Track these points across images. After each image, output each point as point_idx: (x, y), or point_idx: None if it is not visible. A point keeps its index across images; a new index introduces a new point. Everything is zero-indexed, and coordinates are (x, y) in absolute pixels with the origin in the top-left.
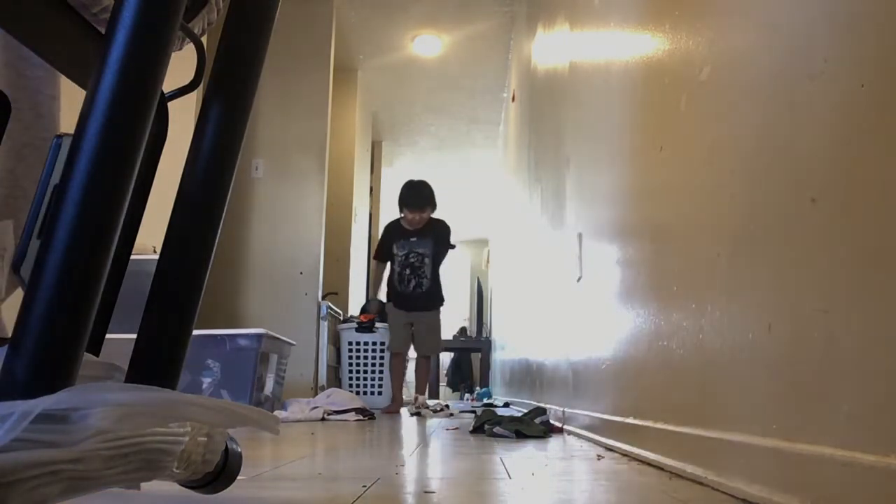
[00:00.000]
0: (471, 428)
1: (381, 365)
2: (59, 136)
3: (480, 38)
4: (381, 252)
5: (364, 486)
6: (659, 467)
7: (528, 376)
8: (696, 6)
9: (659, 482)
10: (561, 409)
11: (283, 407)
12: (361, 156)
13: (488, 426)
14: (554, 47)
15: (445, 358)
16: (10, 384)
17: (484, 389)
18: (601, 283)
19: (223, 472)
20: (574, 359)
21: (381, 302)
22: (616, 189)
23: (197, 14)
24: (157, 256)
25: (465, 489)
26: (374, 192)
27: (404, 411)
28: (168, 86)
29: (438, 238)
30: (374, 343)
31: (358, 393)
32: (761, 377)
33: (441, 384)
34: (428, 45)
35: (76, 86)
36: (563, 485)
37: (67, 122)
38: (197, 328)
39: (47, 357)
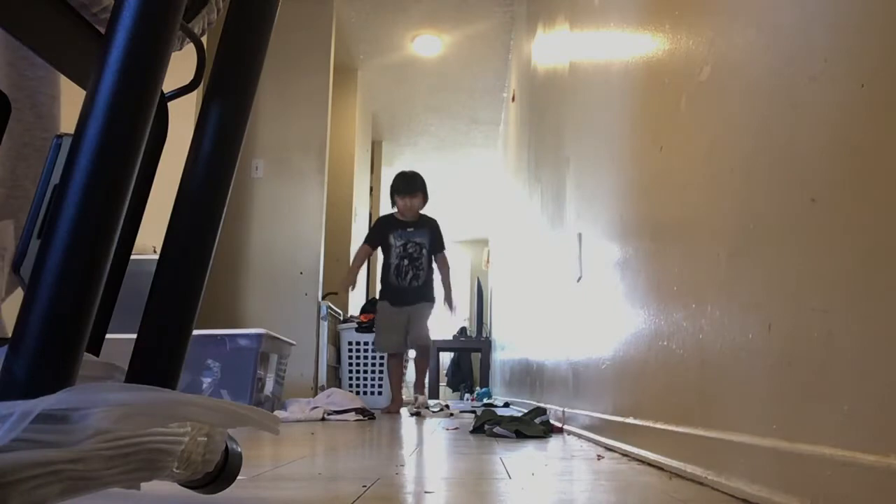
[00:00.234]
0: (471, 428)
1: (381, 365)
2: (59, 137)
3: (480, 38)
4: (372, 237)
5: (364, 486)
6: (659, 467)
7: (528, 376)
8: (696, 6)
9: (659, 482)
10: (561, 409)
11: (283, 407)
12: (361, 156)
13: (488, 426)
14: (554, 47)
15: (445, 358)
16: (10, 384)
17: (484, 389)
18: (601, 283)
19: (223, 472)
20: (574, 359)
21: (372, 300)
22: (616, 189)
23: (197, 14)
24: (157, 256)
25: (465, 489)
26: (374, 192)
27: (404, 411)
28: (168, 86)
29: (434, 232)
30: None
31: (358, 393)
32: (761, 377)
33: (441, 384)
34: (428, 44)
35: (76, 86)
36: (563, 485)
37: (67, 122)
38: (197, 328)
39: (47, 357)
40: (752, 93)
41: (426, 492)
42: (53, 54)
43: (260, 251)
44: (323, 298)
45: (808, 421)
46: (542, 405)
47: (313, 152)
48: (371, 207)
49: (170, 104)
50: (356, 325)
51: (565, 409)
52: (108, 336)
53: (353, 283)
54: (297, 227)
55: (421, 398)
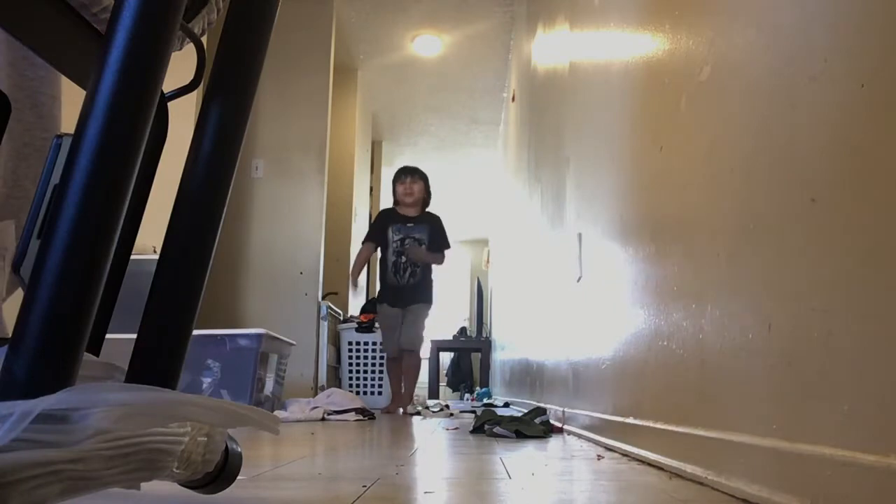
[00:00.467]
0: (471, 428)
1: (381, 365)
2: (59, 137)
3: (480, 38)
4: (372, 233)
5: (364, 486)
6: (659, 467)
7: (528, 376)
8: (696, 6)
9: (659, 482)
10: (561, 409)
11: (283, 407)
12: (361, 156)
13: (488, 426)
14: (554, 47)
15: (445, 358)
16: (10, 384)
17: (484, 389)
18: (601, 283)
19: (223, 472)
20: (574, 359)
21: (372, 300)
22: (616, 189)
23: (197, 14)
24: (157, 256)
25: (465, 489)
26: (374, 192)
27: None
28: (168, 86)
29: (435, 229)
30: (375, 343)
31: (358, 393)
32: (761, 377)
33: (441, 384)
34: (428, 45)
35: (76, 86)
36: (563, 485)
37: (67, 122)
38: (197, 328)
39: (47, 357)
40: (752, 93)
41: (426, 492)
42: (53, 54)
43: (260, 251)
44: (323, 298)
45: (808, 421)
46: (542, 405)
47: (313, 152)
48: (371, 207)
49: (170, 104)
50: (356, 325)
51: (565, 409)
52: (108, 336)
53: (356, 285)
54: (297, 227)
55: (418, 398)
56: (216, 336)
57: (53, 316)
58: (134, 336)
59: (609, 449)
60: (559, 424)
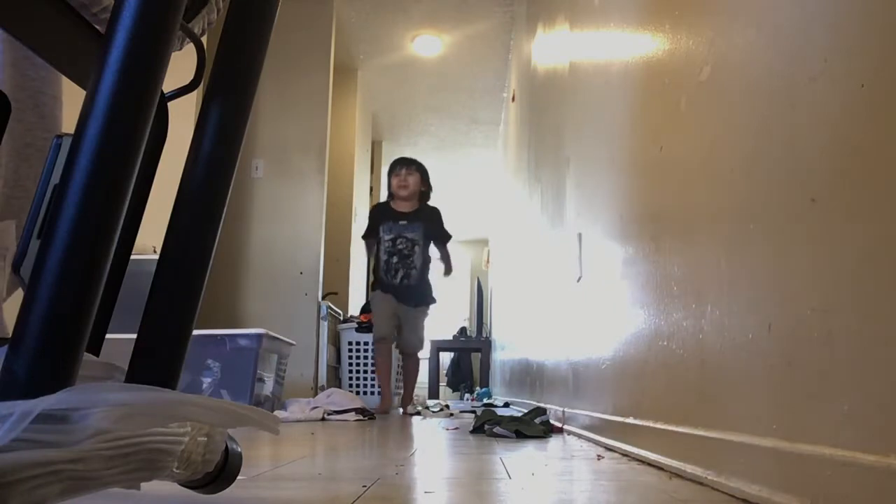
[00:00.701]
0: (471, 428)
1: None
2: (59, 137)
3: (480, 38)
4: (369, 230)
5: (364, 486)
6: (659, 467)
7: (528, 376)
8: (696, 6)
9: (659, 482)
10: (561, 409)
11: (283, 407)
12: (361, 156)
13: (488, 426)
14: (554, 47)
15: (445, 358)
16: (10, 384)
17: (484, 389)
18: (601, 283)
19: (223, 472)
20: (574, 359)
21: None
22: (616, 189)
23: (197, 14)
24: (157, 256)
25: (465, 489)
26: (374, 192)
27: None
28: (168, 86)
29: (429, 224)
30: None
31: (358, 393)
32: (761, 377)
33: (441, 384)
34: (428, 45)
35: (76, 86)
36: (563, 485)
37: (67, 122)
38: (197, 328)
39: (47, 357)
40: (752, 93)
41: (426, 492)
42: (53, 54)
43: (260, 251)
44: (323, 298)
45: (808, 421)
46: (542, 405)
47: (313, 152)
48: (371, 207)
49: (170, 104)
50: (356, 325)
51: (565, 409)
52: (108, 336)
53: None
54: (297, 227)
55: (419, 398)
56: (216, 336)
57: (53, 316)
58: (134, 336)
59: (609, 449)
60: (559, 424)
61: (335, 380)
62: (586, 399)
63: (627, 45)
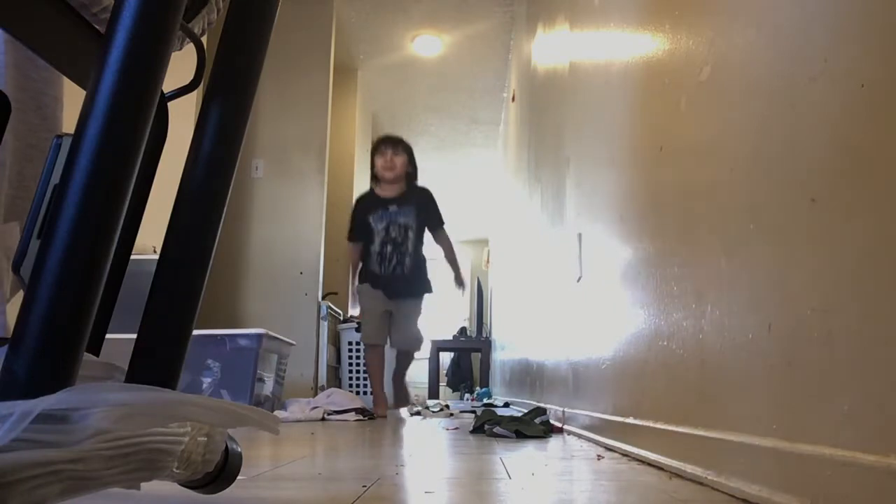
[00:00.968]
0: (471, 428)
1: None
2: (59, 137)
3: (480, 38)
4: (354, 230)
5: (364, 486)
6: (659, 467)
7: (528, 376)
8: (696, 6)
9: (659, 482)
10: (561, 409)
11: (283, 407)
12: (361, 156)
13: (488, 426)
14: (554, 47)
15: (445, 358)
16: (10, 384)
17: (484, 389)
18: (601, 283)
19: (223, 472)
20: (574, 359)
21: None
22: (616, 189)
23: (197, 14)
24: (157, 256)
25: (465, 489)
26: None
27: (403, 411)
28: (168, 86)
29: (422, 206)
30: None
31: (358, 393)
32: (761, 377)
33: (441, 384)
34: (428, 45)
35: (76, 86)
36: (563, 485)
37: (68, 122)
38: (197, 328)
39: (47, 357)
40: (752, 93)
41: (426, 492)
42: (53, 54)
43: (260, 251)
44: (323, 298)
45: (808, 421)
46: (542, 405)
47: (313, 152)
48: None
49: (170, 104)
50: (356, 325)
51: (565, 409)
52: (108, 336)
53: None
54: (297, 227)
55: (410, 407)
56: (216, 336)
57: (53, 316)
58: (134, 336)
59: (609, 449)
60: (559, 424)
61: (335, 380)
62: (586, 399)
63: (627, 45)
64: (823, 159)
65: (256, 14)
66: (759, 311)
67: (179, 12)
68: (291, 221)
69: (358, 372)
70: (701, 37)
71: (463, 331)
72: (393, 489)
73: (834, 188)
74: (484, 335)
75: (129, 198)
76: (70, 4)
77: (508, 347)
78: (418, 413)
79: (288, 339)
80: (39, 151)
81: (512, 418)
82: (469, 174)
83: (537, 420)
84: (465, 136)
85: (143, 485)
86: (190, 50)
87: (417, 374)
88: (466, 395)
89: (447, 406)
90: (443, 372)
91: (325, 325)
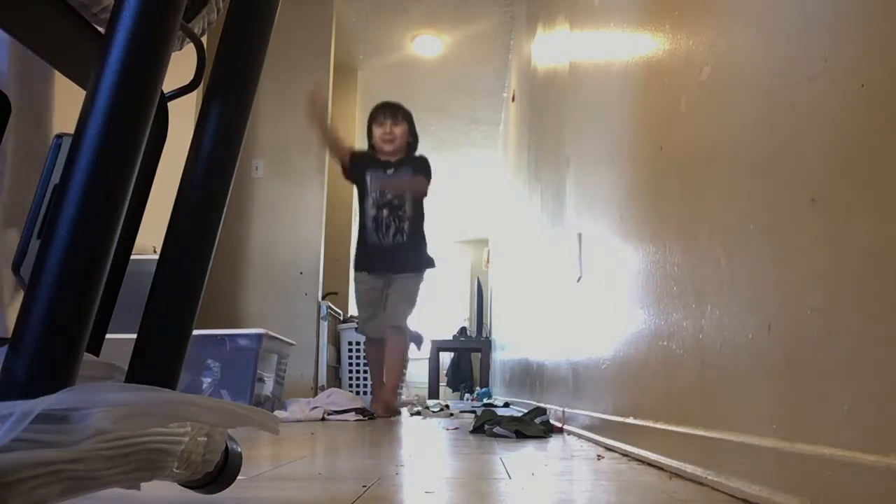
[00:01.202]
0: (471, 428)
1: None
2: (59, 136)
3: (480, 38)
4: (351, 171)
5: (364, 486)
6: (659, 467)
7: (528, 376)
8: (696, 6)
9: (659, 482)
10: (561, 409)
11: (283, 407)
12: None
13: (488, 426)
14: (554, 47)
15: (445, 358)
16: (10, 384)
17: (484, 389)
18: (601, 283)
19: (223, 472)
20: (574, 359)
21: None
22: (616, 189)
23: (197, 14)
24: (157, 256)
25: (465, 489)
26: None
27: (403, 411)
28: (168, 86)
29: (419, 167)
30: None
31: (358, 393)
32: (761, 377)
33: (441, 384)
34: (428, 45)
35: (76, 86)
36: (563, 485)
37: (68, 122)
38: (197, 328)
39: (47, 357)
40: (752, 93)
41: (426, 492)
42: (53, 54)
43: (260, 251)
44: (323, 298)
45: (808, 421)
46: (542, 405)
47: (313, 152)
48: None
49: (170, 104)
50: (356, 325)
51: (565, 409)
52: (108, 336)
53: (322, 125)
54: (297, 227)
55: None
56: (216, 336)
57: (53, 316)
58: (134, 336)
59: (609, 449)
60: (559, 424)
61: (335, 380)
62: (586, 399)
63: (627, 45)
64: (823, 159)
65: (256, 14)
66: (759, 311)
67: (179, 12)
68: (291, 221)
69: (358, 372)
70: (701, 37)
71: (463, 331)
72: (393, 489)
73: (834, 188)
74: (484, 335)
75: (129, 198)
76: (70, 4)
77: (508, 347)
78: (418, 413)
79: (288, 339)
80: (40, 156)
81: (512, 418)
82: (469, 174)
83: (537, 420)
84: (465, 136)
85: (143, 485)
86: (190, 50)
87: (417, 374)
88: (466, 395)
89: (447, 406)
90: (443, 372)
91: (325, 325)
